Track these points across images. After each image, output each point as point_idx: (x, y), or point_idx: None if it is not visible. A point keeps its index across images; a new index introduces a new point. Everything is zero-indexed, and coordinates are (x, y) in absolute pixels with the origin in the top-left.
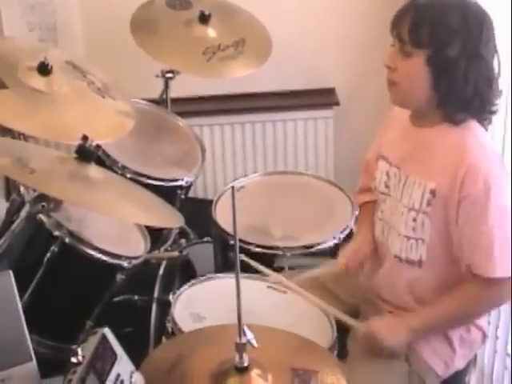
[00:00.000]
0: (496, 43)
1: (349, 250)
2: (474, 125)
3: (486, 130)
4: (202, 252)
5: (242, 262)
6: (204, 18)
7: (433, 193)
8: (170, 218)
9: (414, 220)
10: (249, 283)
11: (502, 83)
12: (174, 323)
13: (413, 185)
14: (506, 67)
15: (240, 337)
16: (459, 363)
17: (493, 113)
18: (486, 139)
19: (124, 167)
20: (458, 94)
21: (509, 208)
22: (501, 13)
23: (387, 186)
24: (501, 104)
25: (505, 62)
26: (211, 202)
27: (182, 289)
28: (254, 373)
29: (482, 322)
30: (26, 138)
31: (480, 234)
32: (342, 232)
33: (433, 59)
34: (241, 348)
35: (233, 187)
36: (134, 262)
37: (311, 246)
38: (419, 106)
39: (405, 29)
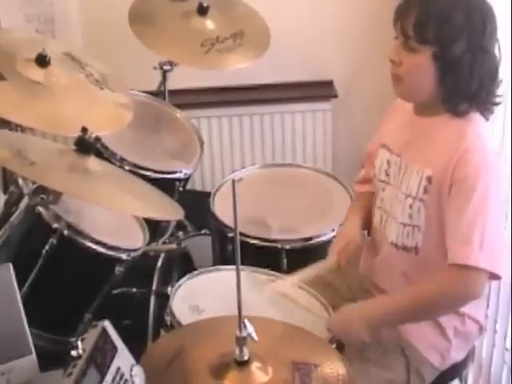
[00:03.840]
0: (498, 33)
1: (337, 246)
2: (475, 116)
3: (487, 119)
4: (200, 244)
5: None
6: (202, 10)
7: (429, 180)
8: (169, 210)
9: (410, 207)
10: (248, 275)
11: (503, 74)
12: (173, 316)
13: (411, 172)
14: (506, 66)
15: (240, 330)
16: (456, 355)
17: (496, 104)
18: (485, 132)
19: (122, 159)
20: (464, 88)
21: (498, 201)
22: (500, 12)
23: (387, 174)
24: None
25: (505, 60)
26: (209, 194)
27: (180, 281)
28: (254, 366)
29: (478, 314)
30: (23, 129)
31: (461, 219)
32: (340, 224)
33: (439, 56)
34: (241, 342)
35: (233, 181)
36: (133, 254)
37: (310, 239)
38: (424, 100)
39: (410, 24)
